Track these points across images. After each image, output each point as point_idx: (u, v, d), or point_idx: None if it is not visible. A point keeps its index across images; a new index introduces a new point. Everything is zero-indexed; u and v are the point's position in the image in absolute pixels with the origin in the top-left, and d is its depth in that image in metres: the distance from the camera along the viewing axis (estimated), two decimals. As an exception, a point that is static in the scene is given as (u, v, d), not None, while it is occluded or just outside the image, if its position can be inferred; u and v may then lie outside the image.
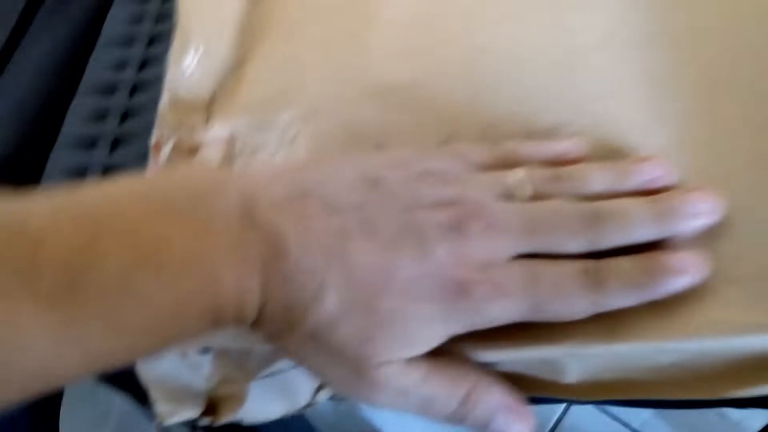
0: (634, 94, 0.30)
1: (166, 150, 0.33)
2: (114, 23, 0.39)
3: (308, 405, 0.29)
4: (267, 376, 0.29)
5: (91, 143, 0.35)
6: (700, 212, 0.24)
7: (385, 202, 0.23)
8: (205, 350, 0.29)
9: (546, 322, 0.23)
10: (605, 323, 0.23)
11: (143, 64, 0.37)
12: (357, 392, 0.23)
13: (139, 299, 0.20)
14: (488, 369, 0.25)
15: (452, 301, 0.22)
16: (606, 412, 0.84)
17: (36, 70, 0.39)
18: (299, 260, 0.22)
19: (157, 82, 0.35)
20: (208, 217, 0.22)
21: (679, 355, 0.24)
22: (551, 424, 0.85)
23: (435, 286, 0.22)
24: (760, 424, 0.58)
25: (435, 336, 0.22)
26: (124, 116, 0.35)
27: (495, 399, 0.23)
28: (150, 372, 0.29)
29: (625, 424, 0.84)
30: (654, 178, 0.25)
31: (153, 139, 0.32)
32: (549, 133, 0.29)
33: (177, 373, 0.29)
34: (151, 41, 0.38)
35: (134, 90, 0.36)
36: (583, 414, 0.84)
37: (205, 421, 0.29)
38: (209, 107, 0.34)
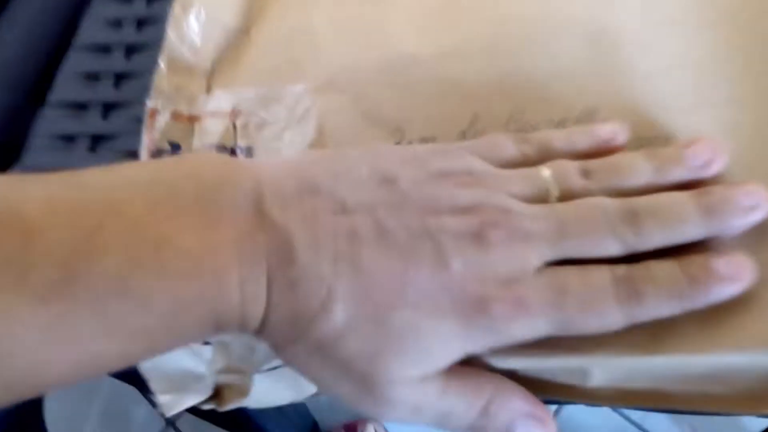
0: (680, 75, 0.27)
1: (162, 119, 0.30)
2: (111, -23, 0.36)
3: (316, 394, 0.28)
4: (273, 368, 0.27)
5: (81, 107, 0.32)
6: (755, 206, 0.21)
7: (401, 203, 0.21)
8: (206, 342, 0.27)
9: None
10: (640, 333, 0.21)
11: (141, 24, 0.34)
12: (367, 408, 0.21)
13: (136, 300, 0.19)
14: (507, 373, 0.23)
15: (470, 318, 0.20)
16: (605, 403, 0.83)
17: (25, 28, 0.36)
18: (307, 266, 0.20)
19: (155, 44, 0.32)
20: (216, 213, 0.20)
21: (718, 368, 0.22)
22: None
23: (452, 301, 0.20)
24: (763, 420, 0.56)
25: (451, 354, 0.21)
26: (119, 79, 0.33)
27: (516, 407, 0.22)
28: (149, 360, 0.27)
29: (626, 417, 0.83)
30: (701, 164, 0.23)
31: (148, 106, 0.30)
32: (585, 117, 0.26)
33: (178, 359, 0.27)
34: (151, -1, 0.35)
35: (130, 51, 0.33)
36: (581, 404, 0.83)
37: (209, 406, 0.28)
38: (211, 75, 0.31)
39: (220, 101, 0.30)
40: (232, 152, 0.29)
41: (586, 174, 0.23)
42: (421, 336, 0.20)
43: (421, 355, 0.20)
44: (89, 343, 0.19)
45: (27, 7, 0.37)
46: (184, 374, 0.27)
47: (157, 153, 0.29)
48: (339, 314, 0.20)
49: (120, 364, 0.20)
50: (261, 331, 0.21)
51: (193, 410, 0.28)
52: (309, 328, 0.20)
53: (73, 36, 0.34)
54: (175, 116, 0.30)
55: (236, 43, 0.32)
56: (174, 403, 0.28)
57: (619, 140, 0.24)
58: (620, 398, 0.23)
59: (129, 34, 0.34)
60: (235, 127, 0.29)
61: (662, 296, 0.20)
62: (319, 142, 0.28)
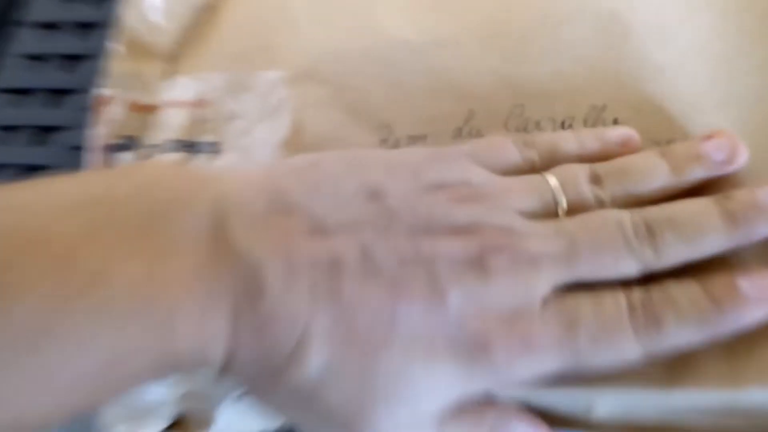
0: (700, 69, 0.24)
1: (116, 108, 0.26)
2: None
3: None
4: (242, 394, 0.24)
5: (24, 92, 0.29)
6: None
7: (390, 223, 0.19)
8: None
9: None
10: (658, 365, 0.19)
11: (94, -1, 0.30)
12: None
13: (67, 346, 0.16)
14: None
15: (470, 359, 0.18)
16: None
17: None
18: (279, 301, 0.17)
19: (110, 23, 0.29)
20: (168, 239, 0.18)
21: (738, 403, 0.20)
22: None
23: (448, 340, 0.18)
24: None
25: (447, 397, 0.18)
26: (68, 62, 0.29)
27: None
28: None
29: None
30: (722, 160, 0.21)
31: (98, 93, 0.26)
32: (592, 116, 0.24)
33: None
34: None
35: (82, 30, 0.30)
36: None
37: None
38: (173, 59, 0.28)
39: (183, 89, 0.27)
40: (195, 148, 0.25)
41: (596, 180, 0.21)
42: (413, 381, 0.17)
43: (412, 401, 0.18)
44: (12, 398, 0.16)
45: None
46: (140, 401, 0.24)
47: (110, 148, 0.26)
48: (317, 358, 0.17)
49: (56, 418, 0.17)
50: (227, 369, 0.18)
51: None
52: (283, 373, 0.18)
53: (16, 12, 0.30)
54: (132, 106, 0.27)
55: (203, 22, 0.29)
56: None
57: (633, 145, 0.22)
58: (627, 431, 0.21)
59: (81, 11, 0.30)
60: (199, 119, 0.26)
61: (684, 323, 0.19)
62: (294, 139, 0.25)
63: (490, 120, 0.25)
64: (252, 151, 0.25)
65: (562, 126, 0.24)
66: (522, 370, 0.18)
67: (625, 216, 0.20)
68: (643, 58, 0.25)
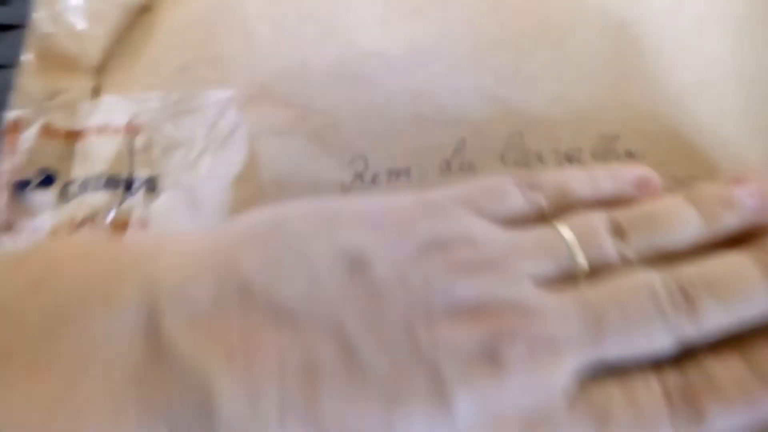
0: (723, 89, 0.22)
1: (28, 135, 0.22)
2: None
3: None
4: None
5: None
6: None
7: (378, 306, 0.15)
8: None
9: None
10: None
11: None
12: None
13: None
14: None
15: None
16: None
17: None
18: (237, 427, 0.13)
19: (20, 28, 0.23)
20: (77, 352, 0.14)
21: None
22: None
23: None
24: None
25: None
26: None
27: None
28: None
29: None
30: (758, 207, 0.18)
31: (9, 117, 0.21)
32: (602, 147, 0.21)
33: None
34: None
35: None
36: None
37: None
38: (99, 72, 0.23)
39: (112, 111, 0.22)
40: (128, 185, 0.21)
41: (619, 232, 0.18)
42: None
43: None
44: None
45: None
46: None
47: (19, 186, 0.21)
48: None
49: None
50: None
51: None
52: None
53: None
54: (48, 132, 0.22)
55: (135, 26, 0.24)
56: None
57: (652, 187, 0.19)
58: None
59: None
60: (132, 148, 0.21)
61: (729, 411, 0.16)
62: (248, 174, 0.21)
63: (483, 151, 0.21)
64: (197, 190, 0.21)
65: (568, 159, 0.21)
66: None
67: (656, 279, 0.17)
68: (657, 77, 0.21)
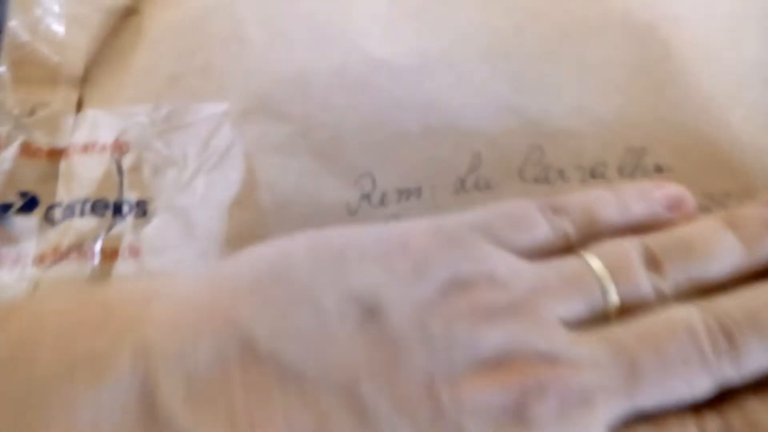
0: (753, 100, 0.20)
1: (7, 154, 0.20)
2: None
3: None
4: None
5: None
6: None
7: (393, 360, 0.14)
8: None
9: None
10: None
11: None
12: None
13: None
14: None
15: None
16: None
17: None
18: None
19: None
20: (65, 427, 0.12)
21: None
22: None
23: None
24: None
25: None
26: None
27: None
28: None
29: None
30: None
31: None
32: (629, 162, 0.19)
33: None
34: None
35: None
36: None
37: None
38: (82, 85, 0.21)
39: (98, 126, 0.21)
40: (116, 209, 0.19)
41: (654, 263, 0.16)
42: None
43: None
44: None
45: None
46: None
47: (1, 210, 0.19)
48: None
49: None
50: None
51: None
52: None
53: None
54: (29, 150, 0.20)
55: (121, 33, 0.22)
56: None
57: (686, 208, 0.18)
58: None
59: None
60: (120, 168, 0.20)
61: None
62: (246, 196, 0.19)
63: (500, 167, 0.19)
64: (192, 214, 0.19)
65: (592, 175, 0.19)
66: None
67: (695, 316, 0.15)
68: (688, 83, 0.20)
